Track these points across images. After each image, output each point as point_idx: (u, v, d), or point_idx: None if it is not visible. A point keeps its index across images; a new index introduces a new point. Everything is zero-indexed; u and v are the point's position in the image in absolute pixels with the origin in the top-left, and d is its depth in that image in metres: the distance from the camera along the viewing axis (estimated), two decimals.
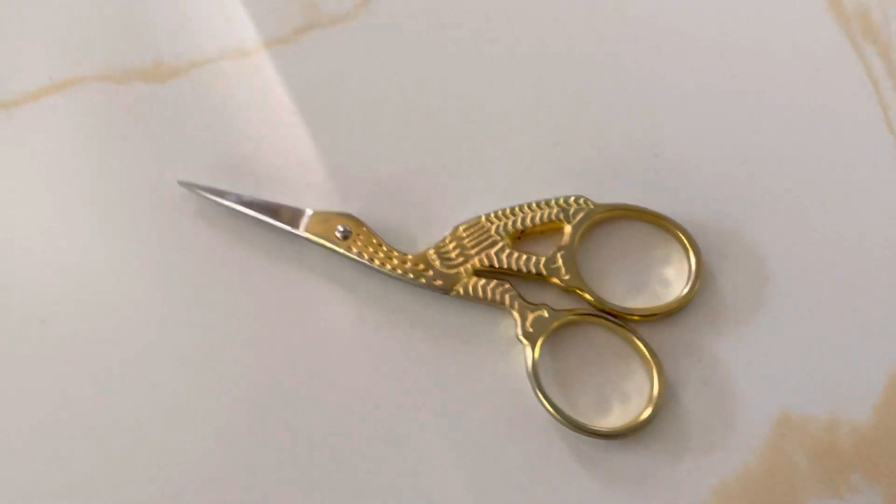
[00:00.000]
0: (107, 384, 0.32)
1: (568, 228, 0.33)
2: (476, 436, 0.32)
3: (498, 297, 0.32)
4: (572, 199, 0.33)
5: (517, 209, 0.33)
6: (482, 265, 0.32)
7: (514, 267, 0.32)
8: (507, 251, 0.33)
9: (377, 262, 0.33)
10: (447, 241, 0.33)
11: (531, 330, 0.32)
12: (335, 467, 0.31)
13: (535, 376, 0.31)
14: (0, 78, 0.36)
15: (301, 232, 0.33)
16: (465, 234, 0.33)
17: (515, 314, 0.32)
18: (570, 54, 0.37)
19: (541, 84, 0.36)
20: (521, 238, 0.33)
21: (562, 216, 0.33)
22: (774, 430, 0.31)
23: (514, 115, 0.36)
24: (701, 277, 0.32)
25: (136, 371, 0.33)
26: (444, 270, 0.33)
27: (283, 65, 0.36)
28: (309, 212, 0.33)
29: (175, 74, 0.36)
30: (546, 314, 0.32)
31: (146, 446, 0.31)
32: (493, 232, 0.33)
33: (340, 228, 0.33)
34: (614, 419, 0.31)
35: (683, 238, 0.33)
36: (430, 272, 0.33)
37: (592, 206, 0.33)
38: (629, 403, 0.32)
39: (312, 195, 0.35)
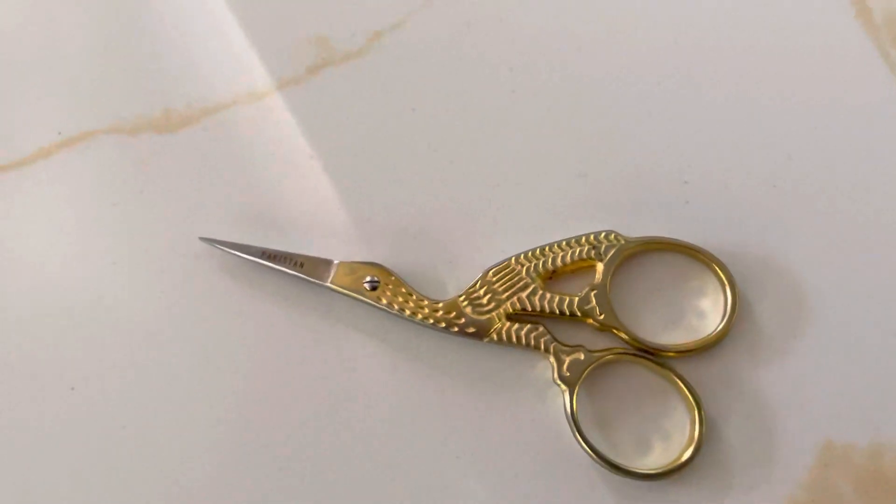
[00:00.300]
0: (138, 452, 0.32)
1: (600, 266, 0.32)
2: (516, 482, 0.31)
3: (532, 342, 0.32)
4: (602, 234, 0.32)
5: (547, 249, 0.32)
6: (514, 309, 0.32)
7: (546, 309, 0.32)
8: (539, 293, 0.32)
9: (408, 312, 0.32)
10: (477, 285, 0.32)
11: (568, 373, 0.31)
12: None
13: (574, 420, 0.31)
14: (9, 137, 0.35)
15: (328, 283, 0.32)
16: (495, 278, 0.32)
17: (551, 358, 0.32)
18: (592, 82, 0.36)
19: (563, 114, 0.35)
20: (552, 278, 0.32)
21: (592, 254, 0.32)
22: (818, 461, 0.31)
23: (537, 148, 0.35)
24: (737, 308, 0.31)
25: (168, 437, 0.32)
26: (476, 317, 0.32)
27: (298, 106, 0.36)
28: (336, 262, 0.33)
29: (187, 123, 0.35)
30: (582, 356, 0.31)
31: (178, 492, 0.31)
32: (523, 274, 0.32)
33: (369, 279, 0.32)
34: (655, 459, 0.31)
35: (718, 269, 0.32)
36: (462, 320, 0.32)
37: (623, 242, 0.32)
38: (670, 442, 0.31)
39: (336, 243, 0.34)
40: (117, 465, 0.32)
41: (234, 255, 0.32)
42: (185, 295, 0.33)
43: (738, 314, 0.31)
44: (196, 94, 0.35)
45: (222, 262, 0.33)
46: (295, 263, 0.32)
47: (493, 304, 0.32)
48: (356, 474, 0.31)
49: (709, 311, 0.32)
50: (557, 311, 0.32)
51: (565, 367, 0.31)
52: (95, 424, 0.32)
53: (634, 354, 0.31)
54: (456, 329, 0.31)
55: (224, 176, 0.34)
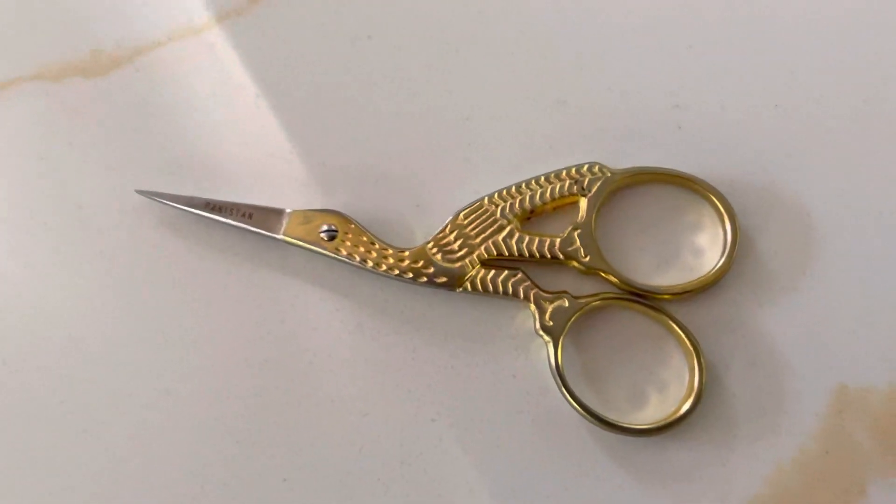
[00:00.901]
0: (79, 431, 0.29)
1: (583, 202, 0.29)
2: (498, 445, 0.29)
3: (511, 289, 0.29)
4: (585, 167, 0.30)
5: (523, 186, 0.30)
6: (489, 254, 0.29)
7: (525, 252, 0.29)
8: (517, 235, 0.29)
9: (370, 262, 0.29)
10: (447, 230, 0.29)
11: (551, 323, 0.28)
12: (343, 492, 0.28)
13: (559, 373, 0.28)
14: None
15: (280, 235, 0.29)
16: (466, 221, 0.29)
17: (532, 307, 0.29)
18: None
19: (538, 34, 0.33)
20: (530, 219, 0.30)
21: (575, 189, 0.29)
22: (831, 408, 0.29)
23: (510, 74, 0.32)
24: (738, 243, 0.29)
25: (112, 413, 0.29)
26: (447, 265, 0.29)
27: (241, 39, 0.33)
28: (287, 211, 0.30)
29: (118, 65, 0.32)
30: (566, 303, 0.29)
31: (128, 478, 0.29)
32: (498, 215, 0.29)
33: (325, 228, 0.29)
34: (652, 413, 0.29)
35: (715, 200, 0.30)
36: (432, 269, 0.29)
37: (609, 174, 0.30)
38: (667, 393, 0.29)
39: (288, 190, 0.31)
40: (57, 445, 0.29)
41: (176, 208, 0.30)
42: (124, 255, 0.31)
43: (738, 250, 0.29)
44: (126, 32, 0.33)
45: (163, 216, 0.31)
46: (243, 214, 0.29)
47: (465, 251, 0.29)
48: (322, 445, 0.29)
49: (706, 248, 0.30)
50: (537, 255, 0.29)
51: (548, 315, 0.28)
52: (31, 404, 0.30)
53: (625, 299, 0.29)
54: (425, 279, 0.29)
55: (161, 121, 0.32)
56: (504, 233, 0.29)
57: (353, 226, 0.30)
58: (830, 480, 0.28)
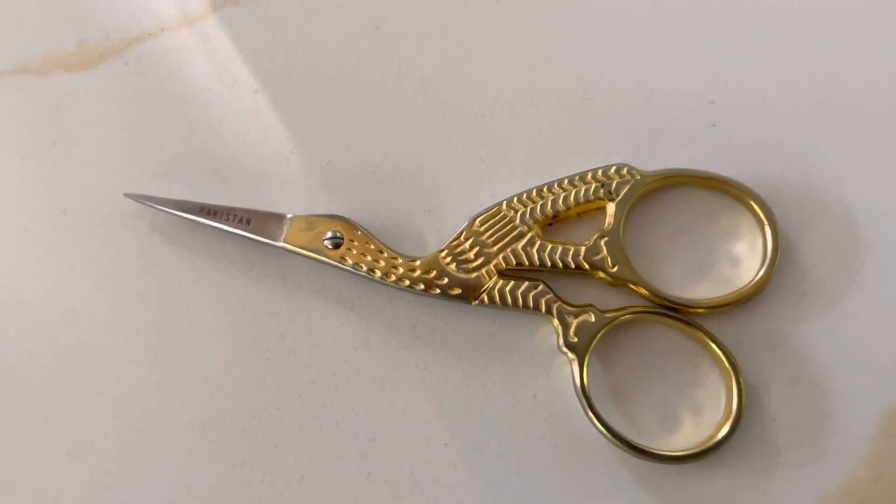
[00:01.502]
0: (62, 446, 0.27)
1: (611, 207, 0.28)
2: (518, 472, 0.27)
3: (531, 302, 0.27)
4: (613, 169, 0.28)
5: (545, 190, 0.28)
6: (508, 264, 0.27)
7: (547, 262, 0.27)
8: (538, 243, 0.27)
9: (378, 272, 0.27)
10: (462, 237, 0.28)
11: (576, 339, 0.26)
12: None
13: (584, 394, 0.27)
14: None
15: (281, 243, 0.28)
16: (483, 228, 0.27)
17: (555, 321, 0.27)
18: None
19: (560, 25, 0.31)
20: (552, 225, 0.28)
21: (602, 192, 0.27)
22: (881, 430, 0.27)
23: (529, 68, 0.30)
24: (779, 252, 0.28)
25: (96, 431, 0.27)
26: (462, 275, 0.27)
27: (239, 30, 0.31)
28: (289, 217, 0.28)
29: (106, 58, 0.31)
30: (592, 318, 0.27)
31: (134, 488, 0.26)
32: (517, 221, 0.27)
33: (329, 235, 0.28)
34: (685, 437, 0.27)
35: (754, 204, 0.28)
36: (445, 279, 0.27)
37: (639, 176, 0.28)
38: (702, 416, 0.27)
39: (291, 195, 0.29)
40: (39, 469, 0.27)
41: (168, 212, 0.28)
42: (111, 264, 0.29)
43: (779, 259, 0.28)
44: (115, 22, 0.31)
45: (154, 221, 0.29)
46: (240, 220, 0.28)
47: (481, 260, 0.27)
48: (325, 472, 0.27)
49: (744, 257, 0.28)
50: (560, 265, 0.27)
51: (572, 331, 0.27)
52: (11, 423, 0.28)
53: (656, 313, 0.27)
54: (438, 291, 0.27)
55: (152, 119, 0.30)
56: (524, 240, 0.27)
57: (359, 232, 0.28)
58: None
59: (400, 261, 0.27)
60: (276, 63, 0.30)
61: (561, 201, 0.28)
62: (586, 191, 0.28)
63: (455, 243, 0.28)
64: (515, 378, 0.28)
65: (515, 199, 0.28)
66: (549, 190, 0.28)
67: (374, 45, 0.30)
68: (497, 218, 0.28)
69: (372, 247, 0.28)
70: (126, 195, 0.28)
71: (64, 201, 0.29)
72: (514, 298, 0.27)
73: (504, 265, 0.27)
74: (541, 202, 0.28)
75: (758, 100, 0.30)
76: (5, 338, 0.28)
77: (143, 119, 0.30)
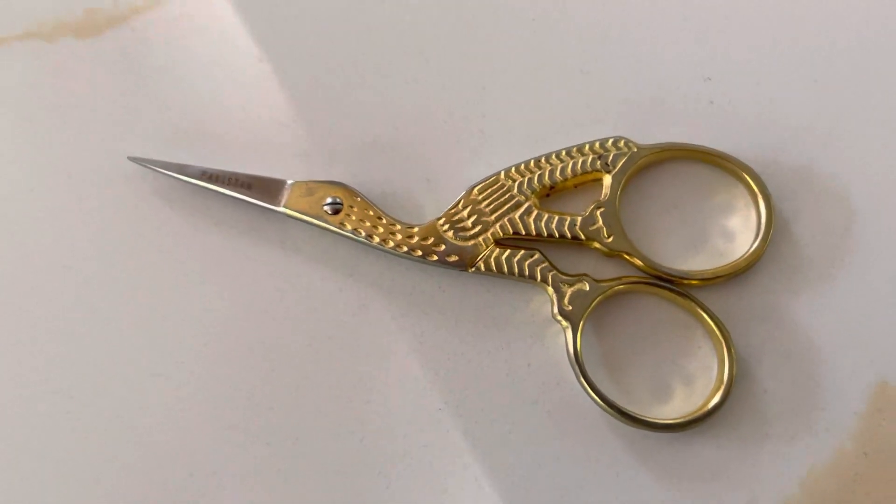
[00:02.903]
0: (61, 403, 0.28)
1: (607, 179, 0.28)
2: (510, 438, 0.27)
3: (527, 271, 0.27)
4: (610, 141, 0.28)
5: (543, 161, 0.28)
6: (505, 233, 0.27)
7: (544, 231, 0.27)
8: (535, 213, 0.27)
9: (377, 238, 0.27)
10: (460, 206, 0.28)
11: (570, 307, 0.26)
12: (342, 485, 0.26)
13: (578, 362, 0.26)
14: None
15: (281, 208, 0.28)
16: (481, 197, 0.28)
17: (550, 290, 0.27)
18: None
19: (561, 0, 0.30)
20: (549, 195, 0.28)
21: (598, 164, 0.28)
22: (871, 406, 0.27)
23: (528, 40, 0.31)
24: (773, 226, 0.28)
25: (100, 394, 0.28)
26: (459, 243, 0.27)
27: (244, 0, 0.31)
28: (289, 182, 0.28)
29: (113, 24, 0.31)
30: (587, 287, 0.27)
31: (111, 463, 0.27)
32: (515, 191, 0.27)
33: (329, 200, 0.28)
34: (677, 406, 0.27)
35: (749, 179, 0.28)
36: (442, 247, 0.27)
37: (635, 149, 0.28)
38: (694, 386, 0.27)
39: (292, 161, 0.29)
40: (39, 427, 0.27)
41: (171, 176, 0.28)
42: (113, 226, 0.29)
43: (773, 233, 0.28)
44: None
45: (156, 185, 0.29)
46: (241, 185, 0.28)
47: (478, 228, 0.27)
48: (320, 435, 0.27)
49: (738, 231, 0.28)
50: (557, 234, 0.27)
51: (566, 299, 0.27)
52: (12, 383, 0.28)
53: (650, 283, 0.28)
54: (435, 258, 0.27)
55: (157, 85, 0.30)
56: (521, 210, 0.27)
57: (358, 199, 0.28)
58: (869, 484, 0.27)
59: (398, 227, 0.28)
60: (280, 32, 0.30)
61: (558, 172, 0.28)
62: (583, 162, 0.28)
63: (453, 211, 0.28)
64: (510, 345, 0.28)
65: (513, 170, 0.28)
66: (547, 161, 0.28)
67: (376, 17, 0.31)
68: (495, 187, 0.28)
69: (371, 213, 0.28)
70: (130, 158, 0.29)
71: (69, 164, 0.29)
72: (510, 267, 0.27)
73: (501, 234, 0.27)
74: (538, 172, 0.28)
75: (755, 78, 0.30)
76: (7, 295, 0.28)
77: (148, 85, 0.30)
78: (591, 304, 0.27)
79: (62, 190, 0.29)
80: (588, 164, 0.28)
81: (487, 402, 0.27)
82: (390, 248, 0.27)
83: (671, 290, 0.27)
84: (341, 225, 0.28)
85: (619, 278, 0.27)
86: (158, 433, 0.27)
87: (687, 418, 0.26)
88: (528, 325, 0.28)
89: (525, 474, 0.27)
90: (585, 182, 0.28)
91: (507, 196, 0.28)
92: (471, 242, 0.27)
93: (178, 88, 0.30)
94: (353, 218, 0.28)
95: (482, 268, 0.27)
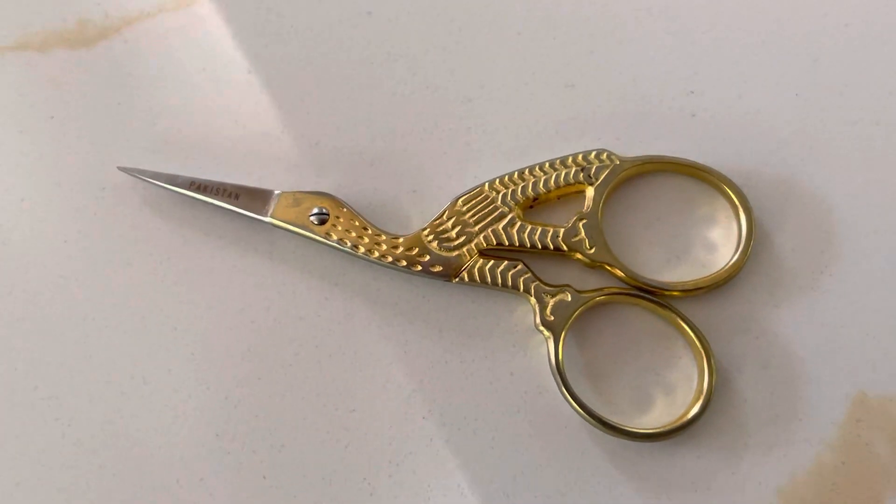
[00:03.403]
0: (50, 409, 0.28)
1: (590, 191, 0.28)
2: (493, 446, 0.27)
3: (510, 281, 0.27)
4: (593, 154, 0.28)
5: (526, 172, 0.28)
6: (489, 243, 0.28)
7: (527, 242, 0.28)
8: (518, 224, 0.28)
9: (362, 248, 0.27)
10: (444, 217, 0.28)
11: (552, 318, 0.27)
12: (327, 492, 0.27)
13: (560, 372, 0.27)
14: None
15: (268, 218, 0.28)
16: (465, 208, 0.28)
17: (532, 300, 0.27)
18: None
19: (546, 13, 0.31)
20: (533, 207, 0.29)
21: (581, 176, 0.28)
22: (849, 416, 0.27)
23: (515, 54, 0.31)
24: (754, 238, 0.28)
25: (87, 400, 0.28)
26: (444, 254, 0.27)
27: (234, 13, 0.32)
28: (276, 193, 0.28)
29: (104, 35, 0.31)
30: (569, 297, 0.27)
31: (99, 468, 0.27)
32: (499, 202, 0.28)
33: (315, 211, 0.28)
34: (657, 416, 0.27)
35: (730, 192, 0.28)
36: (427, 257, 0.27)
37: (618, 162, 0.28)
38: (674, 396, 0.27)
39: (279, 172, 0.30)
40: (28, 432, 0.28)
41: (160, 186, 0.29)
42: (103, 235, 0.29)
43: (754, 245, 0.28)
44: (114, 1, 0.32)
45: (146, 195, 0.29)
46: (229, 195, 0.28)
47: (462, 239, 0.27)
48: (305, 442, 0.27)
49: (720, 243, 0.29)
50: (539, 245, 0.28)
51: (549, 310, 0.27)
52: (6, 388, 0.28)
53: (631, 294, 0.28)
54: (420, 268, 0.27)
55: (147, 96, 0.31)
56: (505, 221, 0.28)
57: (345, 209, 0.28)
58: (847, 493, 0.27)
59: (384, 238, 0.28)
60: (269, 45, 0.31)
61: (542, 184, 0.28)
62: (566, 174, 0.28)
63: (437, 222, 0.28)
64: (493, 355, 0.28)
65: (497, 181, 0.28)
66: (531, 173, 0.28)
67: (365, 30, 0.31)
68: (479, 199, 0.28)
69: (357, 223, 0.28)
70: (120, 168, 0.29)
71: (59, 174, 0.30)
72: (494, 277, 0.28)
73: (485, 245, 0.28)
74: (522, 184, 0.28)
75: (737, 92, 0.30)
76: (2, 306, 0.29)
77: (139, 96, 0.30)
78: (573, 314, 0.27)
79: (53, 199, 0.30)
80: (571, 176, 0.28)
81: (471, 410, 0.28)
82: (375, 258, 0.28)
83: (652, 301, 0.28)
84: (327, 235, 0.28)
85: (601, 289, 0.28)
86: (147, 440, 0.27)
87: (667, 428, 0.27)
88: (511, 335, 0.28)
89: (507, 482, 0.27)
90: (568, 194, 0.29)
91: (491, 207, 0.28)
92: (455, 253, 0.28)
93: (168, 99, 0.30)
94: (339, 228, 0.28)
95: (466, 278, 0.28)
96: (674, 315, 0.27)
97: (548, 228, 0.28)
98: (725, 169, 0.29)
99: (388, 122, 0.30)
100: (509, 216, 0.28)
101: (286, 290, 0.29)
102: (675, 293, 0.28)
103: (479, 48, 0.31)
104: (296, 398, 0.28)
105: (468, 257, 0.28)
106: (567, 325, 0.27)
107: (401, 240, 0.28)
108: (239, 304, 0.29)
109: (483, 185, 0.28)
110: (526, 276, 0.28)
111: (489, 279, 0.27)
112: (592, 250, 0.28)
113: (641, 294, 0.28)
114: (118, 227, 0.29)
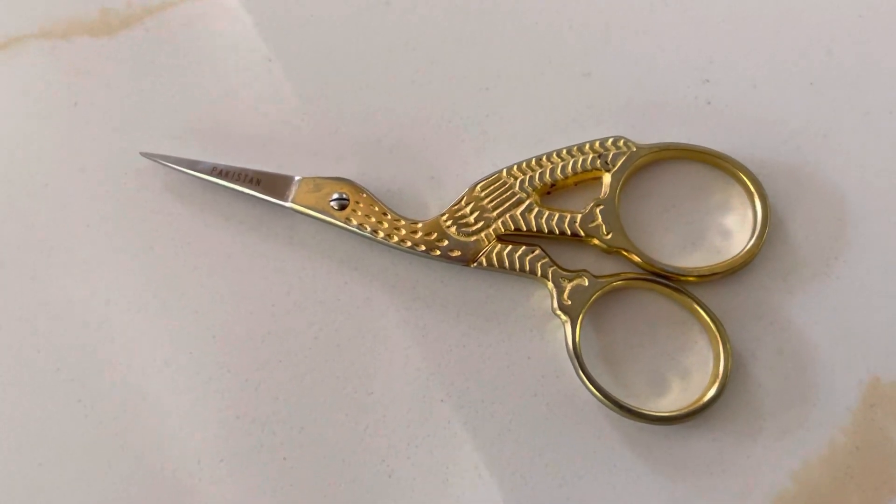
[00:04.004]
0: (73, 391, 0.28)
1: (607, 178, 0.28)
2: (510, 429, 0.28)
3: (528, 266, 0.28)
4: (610, 141, 0.28)
5: (544, 159, 0.28)
6: (507, 229, 0.28)
7: (544, 228, 0.28)
8: (536, 210, 0.28)
9: (381, 233, 0.28)
10: (463, 202, 0.28)
11: (569, 302, 0.27)
12: (346, 474, 0.27)
13: (576, 355, 0.27)
14: None
15: (289, 203, 0.28)
16: (483, 194, 0.28)
17: (550, 284, 0.27)
18: None
19: (562, 3, 0.31)
20: (550, 193, 0.29)
21: (598, 163, 0.28)
22: (863, 401, 0.27)
23: (532, 43, 0.31)
24: (768, 225, 0.28)
25: (109, 382, 0.28)
26: (462, 238, 0.28)
27: (256, 2, 0.32)
28: (297, 179, 0.28)
29: (127, 24, 0.31)
30: (586, 282, 0.27)
31: (122, 449, 0.27)
32: (517, 188, 0.28)
33: (335, 196, 0.28)
34: (673, 400, 0.27)
35: (745, 179, 0.28)
36: (445, 242, 0.28)
37: (635, 149, 0.28)
38: (690, 380, 0.28)
39: (299, 159, 0.30)
40: (51, 414, 0.28)
41: (182, 172, 0.29)
42: (127, 219, 0.30)
43: (768, 232, 0.28)
44: None
45: (168, 180, 0.30)
46: (251, 181, 0.28)
47: (481, 224, 0.28)
48: (324, 424, 0.28)
49: (735, 230, 0.29)
50: (557, 231, 0.28)
51: (566, 294, 0.27)
52: (26, 371, 0.28)
53: (647, 280, 0.28)
54: (438, 253, 0.27)
55: (169, 83, 0.31)
56: (522, 207, 0.28)
57: (364, 195, 0.28)
58: (861, 478, 0.27)
59: (403, 223, 0.28)
60: (290, 33, 0.31)
61: (559, 170, 0.29)
62: (584, 161, 0.29)
63: (456, 208, 0.28)
64: (511, 339, 0.28)
65: (515, 167, 0.29)
66: (549, 159, 0.29)
67: (384, 19, 0.31)
68: (497, 184, 0.28)
69: (376, 209, 0.28)
70: (142, 154, 0.29)
71: (82, 159, 0.30)
72: (512, 262, 0.28)
73: (503, 230, 0.28)
74: (540, 171, 0.29)
75: (752, 81, 0.30)
76: (23, 288, 0.29)
77: (161, 83, 0.31)
78: (589, 299, 0.27)
79: (76, 184, 0.30)
80: (588, 162, 0.28)
81: (488, 393, 0.28)
82: (394, 243, 0.28)
83: (668, 287, 0.28)
84: (347, 220, 0.28)
85: (618, 274, 0.28)
86: (168, 422, 0.28)
87: (683, 411, 0.27)
88: (529, 319, 0.28)
89: (524, 464, 0.27)
90: (585, 180, 0.29)
91: (508, 193, 0.28)
92: (473, 238, 0.28)
93: (189, 87, 0.31)
94: (359, 213, 0.28)
95: (484, 263, 0.28)
96: (689, 300, 0.28)
97: (565, 214, 0.28)
98: (740, 156, 0.29)
99: (406, 110, 0.30)
100: (527, 202, 0.28)
101: (306, 275, 0.29)
102: (691, 279, 0.28)
103: (496, 37, 0.31)
104: (315, 381, 0.28)
105: (486, 242, 0.28)
106: (584, 310, 0.27)
107: (419, 225, 0.28)
108: (259, 288, 0.29)
109: (501, 171, 0.29)
110: (543, 261, 0.28)
111: (507, 264, 0.28)
112: (609, 236, 0.28)
113: (657, 279, 0.28)
114: (140, 212, 0.30)
